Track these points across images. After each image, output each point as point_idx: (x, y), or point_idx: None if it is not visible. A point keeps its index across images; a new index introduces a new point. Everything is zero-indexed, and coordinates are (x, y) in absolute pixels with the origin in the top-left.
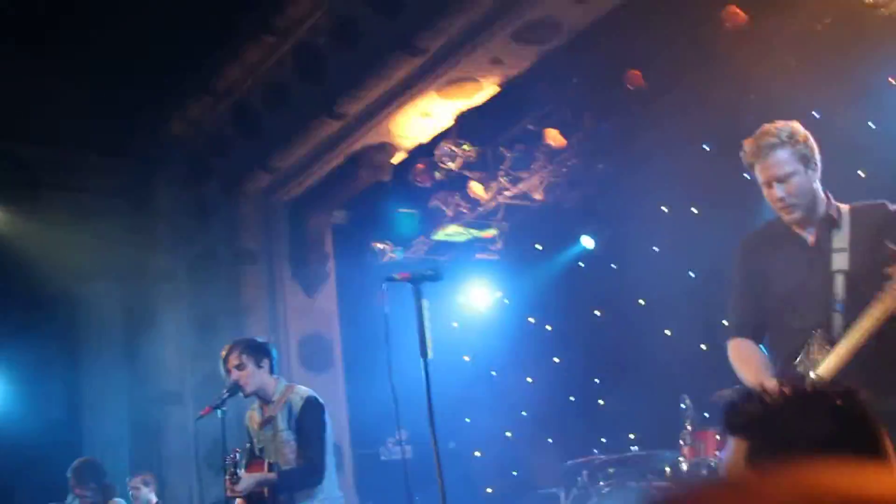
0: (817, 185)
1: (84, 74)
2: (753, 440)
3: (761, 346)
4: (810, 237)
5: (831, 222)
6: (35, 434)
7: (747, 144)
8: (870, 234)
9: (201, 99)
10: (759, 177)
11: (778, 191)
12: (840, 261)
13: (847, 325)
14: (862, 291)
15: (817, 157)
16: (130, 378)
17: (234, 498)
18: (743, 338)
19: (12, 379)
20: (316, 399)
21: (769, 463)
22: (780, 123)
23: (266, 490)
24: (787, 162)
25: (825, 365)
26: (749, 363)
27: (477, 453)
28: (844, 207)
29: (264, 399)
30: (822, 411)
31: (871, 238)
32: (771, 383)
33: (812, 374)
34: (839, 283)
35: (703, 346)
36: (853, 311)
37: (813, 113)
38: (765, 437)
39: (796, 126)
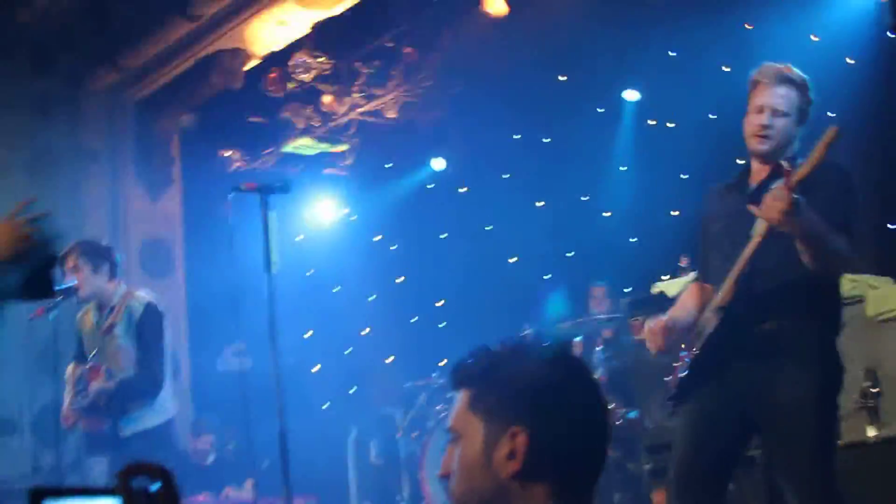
0: (796, 140)
1: None
2: (473, 389)
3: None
4: (754, 182)
5: (780, 170)
6: None
7: (768, 66)
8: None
9: None
10: (756, 99)
11: (766, 118)
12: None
13: None
14: None
15: (808, 118)
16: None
17: (71, 406)
18: (697, 281)
19: None
20: (156, 307)
21: (487, 409)
22: (797, 71)
23: (102, 399)
24: (791, 102)
25: (720, 293)
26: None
27: (315, 369)
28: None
29: (101, 304)
30: (533, 358)
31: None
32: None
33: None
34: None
35: (546, 277)
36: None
37: (669, 52)
38: (483, 386)
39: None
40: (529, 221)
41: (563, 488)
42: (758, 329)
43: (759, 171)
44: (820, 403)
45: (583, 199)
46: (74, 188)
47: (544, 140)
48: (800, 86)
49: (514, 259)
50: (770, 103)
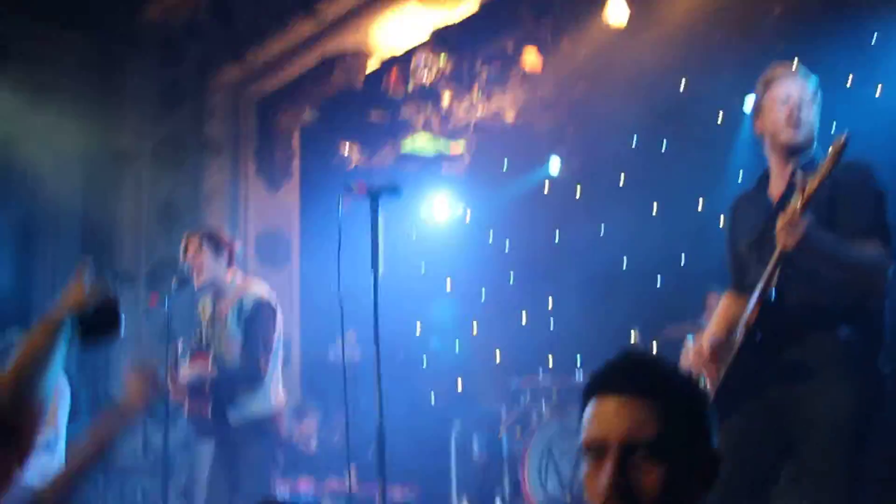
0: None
1: None
2: (650, 399)
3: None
4: (776, 192)
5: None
6: None
7: (779, 65)
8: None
9: None
10: (778, 92)
11: (794, 107)
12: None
13: None
14: None
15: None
16: (84, 257)
17: (175, 389)
18: (730, 291)
19: None
20: (269, 303)
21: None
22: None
23: (206, 385)
24: (811, 93)
25: (747, 311)
26: (714, 314)
27: (423, 363)
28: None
29: (217, 293)
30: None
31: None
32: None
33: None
34: None
35: (657, 282)
36: None
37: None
38: (664, 398)
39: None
40: (643, 225)
41: None
42: (790, 345)
43: (778, 175)
44: (854, 422)
45: (698, 209)
46: (196, 178)
47: (661, 146)
48: (813, 83)
49: (626, 264)
50: (793, 93)
